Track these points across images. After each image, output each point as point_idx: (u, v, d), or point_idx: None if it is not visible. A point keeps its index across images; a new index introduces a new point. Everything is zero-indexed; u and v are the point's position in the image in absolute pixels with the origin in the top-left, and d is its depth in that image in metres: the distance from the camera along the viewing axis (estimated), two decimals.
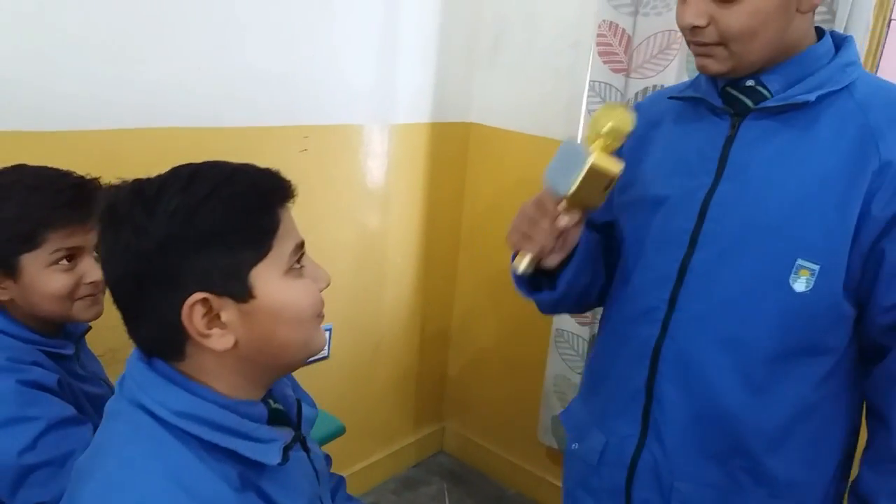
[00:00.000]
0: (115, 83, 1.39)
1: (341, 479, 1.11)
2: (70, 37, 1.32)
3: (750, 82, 0.93)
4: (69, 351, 1.14)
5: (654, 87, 1.70)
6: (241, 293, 0.76)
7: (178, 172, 0.78)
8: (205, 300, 0.74)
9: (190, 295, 0.74)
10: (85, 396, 1.15)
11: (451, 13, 2.02)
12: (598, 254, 1.09)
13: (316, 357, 1.92)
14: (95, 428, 1.06)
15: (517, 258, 0.98)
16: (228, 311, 0.76)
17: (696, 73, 0.99)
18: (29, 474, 1.00)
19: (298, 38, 1.69)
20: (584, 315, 1.93)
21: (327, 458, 1.09)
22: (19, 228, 1.03)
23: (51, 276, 1.05)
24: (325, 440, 1.45)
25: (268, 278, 0.77)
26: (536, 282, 1.06)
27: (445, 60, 2.06)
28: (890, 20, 1.48)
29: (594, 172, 0.90)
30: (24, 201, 1.03)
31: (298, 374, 0.97)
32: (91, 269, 1.09)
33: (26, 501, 1.00)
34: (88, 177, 1.09)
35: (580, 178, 0.90)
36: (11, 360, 1.03)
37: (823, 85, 0.90)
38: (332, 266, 1.85)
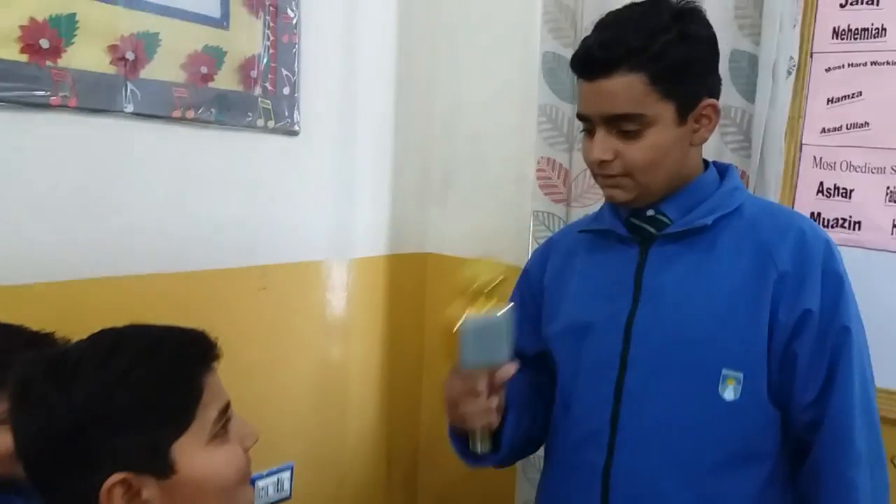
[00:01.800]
0: (77, 234, 1.45)
1: None
2: (32, 192, 1.38)
3: (650, 212, 1.02)
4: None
5: None
6: (162, 470, 0.74)
7: (97, 343, 0.77)
8: (124, 480, 0.72)
9: (108, 476, 0.72)
10: None
11: (402, 156, 2.16)
12: (532, 395, 1.14)
13: (278, 498, 1.90)
14: None
15: (471, 440, 1.03)
16: (149, 489, 0.74)
17: None
18: None
19: (256, 184, 1.78)
20: None
21: None
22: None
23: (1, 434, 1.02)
24: None
25: (190, 451, 0.75)
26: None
27: (400, 197, 2.17)
28: (802, 144, 1.62)
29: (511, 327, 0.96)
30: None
31: None
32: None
33: None
34: (42, 331, 1.10)
35: (511, 340, 0.96)
36: None
37: (716, 209, 1.00)
38: (292, 402, 1.89)
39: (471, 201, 2.17)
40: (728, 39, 1.60)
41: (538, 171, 1.88)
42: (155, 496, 0.75)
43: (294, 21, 1.80)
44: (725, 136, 1.64)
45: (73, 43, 1.39)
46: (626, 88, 0.93)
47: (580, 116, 1.02)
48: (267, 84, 1.76)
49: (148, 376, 0.74)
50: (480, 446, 1.02)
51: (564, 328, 1.09)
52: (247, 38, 1.71)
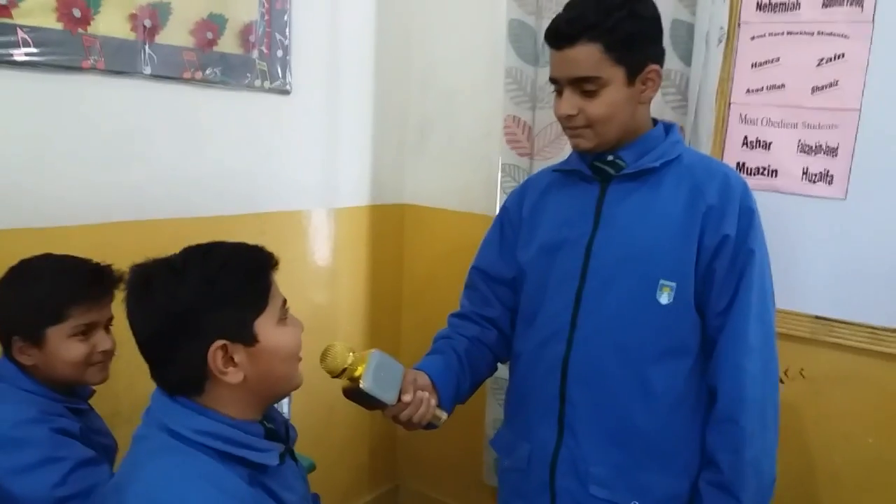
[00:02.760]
0: (106, 182, 1.65)
1: (317, 496, 1.29)
2: (66, 149, 1.58)
3: (610, 157, 1.25)
4: (84, 407, 1.35)
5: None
6: (249, 339, 0.98)
7: (193, 251, 1.01)
8: (223, 346, 0.96)
9: (212, 343, 0.96)
10: (97, 445, 1.35)
11: (382, 113, 2.38)
12: (467, 358, 1.36)
13: None
14: (108, 470, 1.28)
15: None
16: (239, 354, 0.98)
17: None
18: None
19: (255, 139, 1.99)
20: None
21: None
22: (48, 305, 1.25)
23: (71, 345, 1.26)
24: None
25: (266, 327, 1.00)
26: None
27: (379, 152, 2.40)
28: (730, 103, 1.89)
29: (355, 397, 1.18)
30: (53, 283, 1.26)
31: None
32: (103, 340, 1.31)
33: None
34: (102, 263, 1.32)
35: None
36: (43, 413, 1.23)
37: (663, 156, 1.24)
38: None
39: (445, 155, 2.41)
40: (669, 11, 1.86)
41: (505, 127, 2.12)
42: (243, 360, 0.98)
43: None
44: (666, 95, 1.90)
45: (99, 12, 1.58)
46: (585, 56, 1.15)
47: (552, 79, 1.22)
48: (263, 47, 1.96)
49: (237, 270, 0.98)
50: (441, 418, 1.25)
51: (539, 248, 1.31)
52: (245, 5, 1.90)
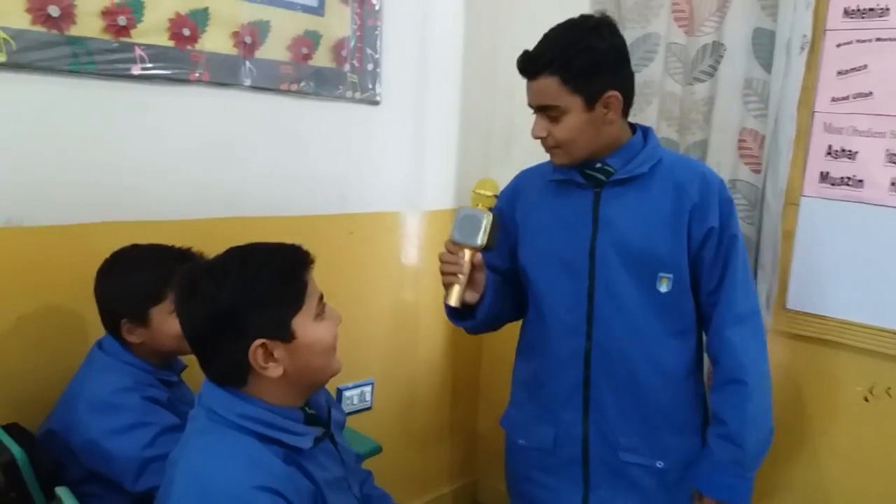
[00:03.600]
0: (209, 182, 1.85)
1: (369, 473, 1.38)
2: (177, 148, 1.78)
3: (598, 164, 1.38)
4: (174, 379, 1.52)
5: None
6: (287, 336, 1.04)
7: (233, 254, 1.06)
8: (263, 344, 1.02)
9: (252, 341, 1.01)
10: (182, 414, 1.52)
11: (468, 121, 2.49)
12: (502, 291, 1.48)
13: (361, 407, 2.28)
14: None
15: (447, 295, 1.35)
16: (279, 350, 1.03)
17: None
18: (148, 465, 1.34)
19: (346, 146, 2.14)
20: None
21: (359, 458, 1.38)
22: (150, 288, 1.42)
23: (173, 320, 1.35)
24: (365, 456, 1.79)
25: (303, 324, 1.05)
26: (461, 314, 1.45)
27: (465, 159, 2.50)
28: (814, 112, 1.84)
29: (492, 224, 1.32)
30: (151, 267, 1.43)
31: (349, 421, 1.32)
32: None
33: (145, 486, 1.34)
34: (186, 248, 1.48)
35: (487, 231, 1.31)
36: (138, 382, 1.41)
37: (647, 161, 1.37)
38: (373, 329, 2.27)
39: (529, 163, 2.46)
40: (752, 19, 1.84)
41: None
42: (283, 355, 1.04)
43: (377, 7, 2.14)
44: (748, 104, 1.88)
45: (206, 31, 1.78)
46: (545, 87, 1.30)
47: (529, 104, 1.37)
48: (354, 61, 2.11)
49: (273, 272, 1.04)
50: (453, 300, 1.34)
51: (541, 253, 1.45)
52: (338, 22, 2.06)
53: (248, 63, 1.87)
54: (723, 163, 1.92)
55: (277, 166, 1.99)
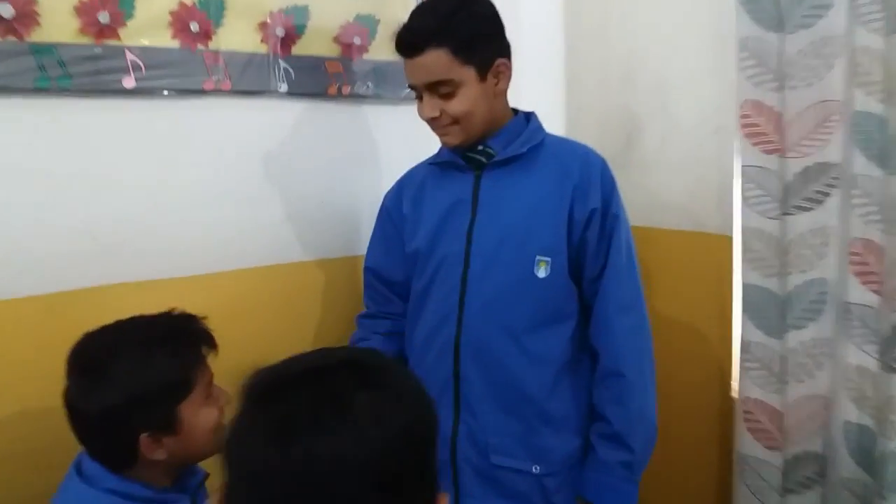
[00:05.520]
0: (239, 225, 1.42)
1: None
2: (187, 184, 1.37)
3: (480, 147, 1.32)
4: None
5: (817, 164, 1.49)
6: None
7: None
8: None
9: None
10: None
11: (577, 116, 1.96)
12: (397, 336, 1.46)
13: None
14: None
15: None
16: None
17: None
18: None
19: (421, 156, 1.67)
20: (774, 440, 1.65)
21: None
22: (174, 377, 1.02)
23: (206, 413, 1.05)
24: None
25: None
26: None
27: None
28: None
29: None
30: (174, 349, 1.04)
31: None
32: (222, 393, 1.10)
33: None
34: (177, 311, 1.10)
35: None
36: None
37: (528, 142, 1.31)
38: None
39: (658, 162, 1.90)
40: None
41: (742, 117, 1.57)
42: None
43: None
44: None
45: (222, 24, 1.36)
46: (434, 61, 1.21)
47: (410, 86, 1.29)
48: None
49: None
50: None
51: (423, 239, 1.36)
52: (401, 2, 1.59)
53: (282, 63, 1.43)
54: None
55: (329, 197, 1.54)
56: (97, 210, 1.26)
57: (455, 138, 1.29)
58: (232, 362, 1.38)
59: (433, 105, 1.25)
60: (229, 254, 1.41)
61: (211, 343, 1.10)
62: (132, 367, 1.00)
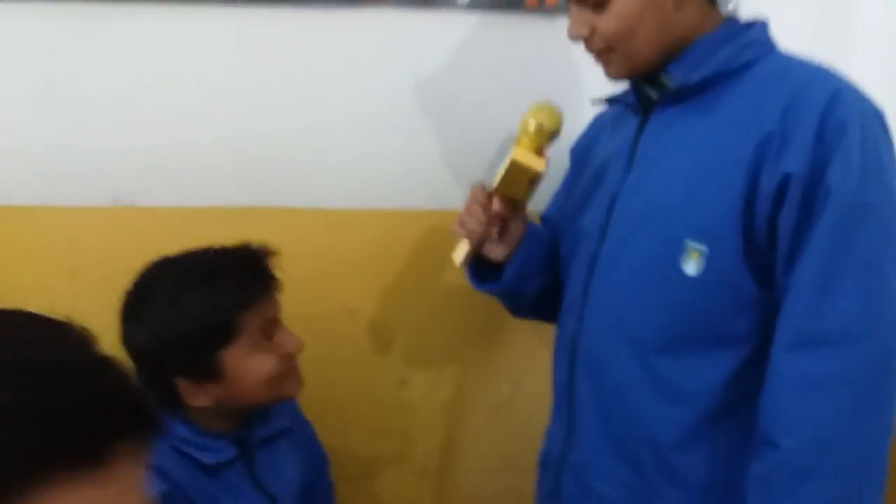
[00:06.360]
0: (392, 160, 1.26)
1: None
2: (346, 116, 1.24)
3: (661, 76, 0.97)
4: (223, 457, 0.99)
5: None
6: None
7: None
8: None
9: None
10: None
11: None
12: (553, 254, 1.14)
13: None
14: None
15: (456, 248, 1.08)
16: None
17: None
18: None
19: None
20: None
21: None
22: (209, 321, 0.93)
23: (258, 360, 0.96)
24: None
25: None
26: (486, 275, 1.12)
27: None
28: None
29: (515, 168, 0.99)
30: (209, 291, 0.94)
31: None
32: (287, 339, 0.99)
33: None
34: (251, 245, 0.99)
35: (501, 173, 1.01)
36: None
37: (723, 64, 0.91)
38: None
39: None
40: None
41: None
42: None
43: None
44: None
45: None
46: None
47: None
48: None
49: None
50: (458, 257, 1.09)
51: (573, 201, 1.11)
52: None
53: None
54: None
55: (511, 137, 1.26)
56: (242, 128, 1.21)
57: (616, 67, 0.97)
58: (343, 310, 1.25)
59: (581, 20, 0.94)
60: (384, 190, 1.25)
61: (269, 285, 0.96)
62: (162, 309, 0.92)
